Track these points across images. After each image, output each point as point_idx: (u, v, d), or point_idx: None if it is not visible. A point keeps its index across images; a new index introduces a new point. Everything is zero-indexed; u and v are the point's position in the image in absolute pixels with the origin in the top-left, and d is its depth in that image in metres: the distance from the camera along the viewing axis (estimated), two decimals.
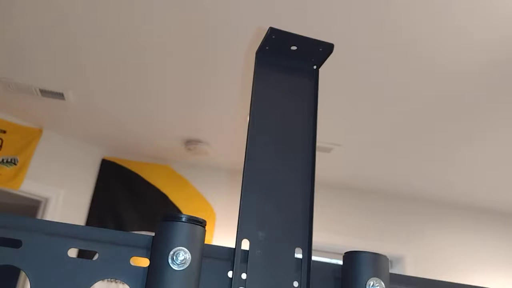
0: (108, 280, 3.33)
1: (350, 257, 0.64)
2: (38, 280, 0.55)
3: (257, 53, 0.75)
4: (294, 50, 0.75)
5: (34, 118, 3.61)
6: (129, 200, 3.90)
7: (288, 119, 0.73)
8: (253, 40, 2.44)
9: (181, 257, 0.55)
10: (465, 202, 4.27)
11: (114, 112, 3.45)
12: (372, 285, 0.61)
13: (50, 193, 3.63)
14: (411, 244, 4.18)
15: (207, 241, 0.60)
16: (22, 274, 0.61)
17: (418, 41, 2.37)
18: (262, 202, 0.66)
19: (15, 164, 3.50)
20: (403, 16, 2.22)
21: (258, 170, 0.68)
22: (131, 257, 0.59)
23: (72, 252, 0.58)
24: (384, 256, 0.64)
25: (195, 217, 0.59)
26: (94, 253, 0.58)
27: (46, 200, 3.63)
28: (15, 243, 0.56)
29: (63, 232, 0.58)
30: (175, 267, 0.55)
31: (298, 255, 0.65)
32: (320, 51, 0.75)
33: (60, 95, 3.19)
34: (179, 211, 3.83)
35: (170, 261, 0.55)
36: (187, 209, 3.90)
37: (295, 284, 0.63)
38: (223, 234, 3.49)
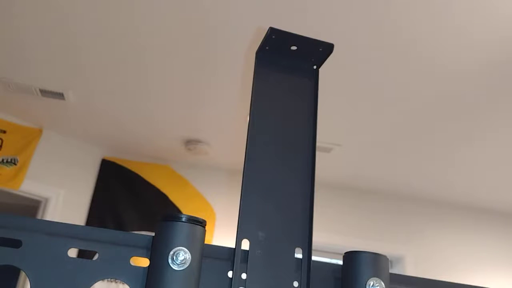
0: (108, 280, 3.33)
1: (350, 257, 0.64)
2: (38, 280, 0.55)
3: (257, 53, 0.75)
4: (294, 50, 0.75)
5: (34, 118, 3.61)
6: (129, 200, 3.90)
7: (288, 119, 0.73)
8: (253, 40, 2.44)
9: (181, 257, 0.55)
10: (465, 202, 4.27)
11: (114, 112, 3.45)
12: (372, 285, 0.61)
13: (50, 193, 3.63)
14: (411, 244, 4.18)
15: (207, 241, 0.60)
16: (22, 274, 0.61)
17: (418, 41, 2.37)
18: (262, 202, 0.66)
19: (15, 164, 3.50)
20: (403, 16, 2.22)
21: (258, 170, 0.68)
22: (131, 257, 0.59)
23: (72, 252, 0.58)
24: (384, 256, 0.64)
25: (195, 217, 0.59)
26: (94, 253, 0.58)
27: (46, 200, 3.63)
28: (15, 243, 0.56)
29: (63, 232, 0.58)
30: (175, 267, 0.55)
31: (298, 255, 0.65)
32: (320, 51, 0.75)
33: (60, 95, 3.19)
34: (179, 211, 3.83)
35: (170, 261, 0.55)
36: (187, 209, 3.90)
37: (295, 284, 0.63)
38: (223, 234, 3.49)
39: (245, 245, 0.63)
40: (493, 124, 3.03)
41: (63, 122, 3.65)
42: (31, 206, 3.76)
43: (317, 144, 0.73)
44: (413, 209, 4.28)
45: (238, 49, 2.53)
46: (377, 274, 0.62)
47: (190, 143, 3.71)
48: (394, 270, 4.04)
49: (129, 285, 0.58)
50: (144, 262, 0.59)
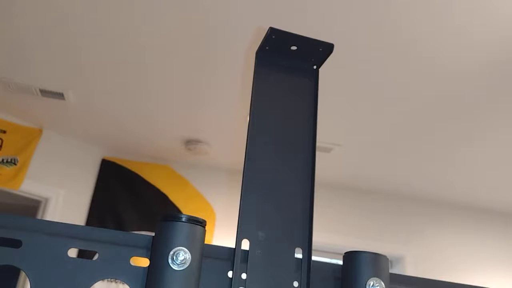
0: (108, 280, 3.33)
1: (350, 257, 0.64)
2: (38, 280, 0.55)
3: (257, 53, 0.75)
4: (294, 50, 0.75)
5: (34, 118, 3.61)
6: (129, 200, 3.90)
7: (288, 119, 0.73)
8: (253, 40, 2.44)
9: (181, 257, 0.55)
10: (465, 202, 4.27)
11: (114, 112, 3.45)
12: (372, 285, 0.61)
13: (50, 193, 3.63)
14: (411, 244, 4.18)
15: (207, 241, 0.60)
16: (22, 274, 0.61)
17: (418, 41, 2.37)
18: (262, 202, 0.66)
19: (15, 164, 3.50)
20: (403, 16, 2.22)
21: (258, 170, 0.68)
22: (131, 257, 0.59)
23: (72, 252, 0.58)
24: (384, 256, 0.64)
25: (195, 217, 0.59)
26: (94, 253, 0.58)
27: (46, 200, 3.63)
28: (15, 243, 0.56)
29: (63, 232, 0.58)
30: (175, 267, 0.55)
31: (298, 255, 0.65)
32: (320, 51, 0.75)
33: (60, 95, 3.19)
34: (179, 211, 3.83)
35: (170, 261, 0.55)
36: (187, 209, 3.90)
37: (295, 284, 0.63)
38: (223, 234, 3.49)
39: (245, 245, 0.63)
40: (493, 124, 3.03)
41: (63, 122, 3.65)
42: (31, 206, 3.76)
43: (317, 144, 0.73)
44: (413, 209, 4.28)
45: (238, 49, 2.53)
46: (377, 274, 0.62)
47: (190, 143, 3.71)
48: (394, 270, 4.04)
49: (129, 285, 0.58)
50: (144, 262, 0.59)
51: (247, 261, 0.62)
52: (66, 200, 3.67)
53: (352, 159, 3.77)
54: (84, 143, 3.88)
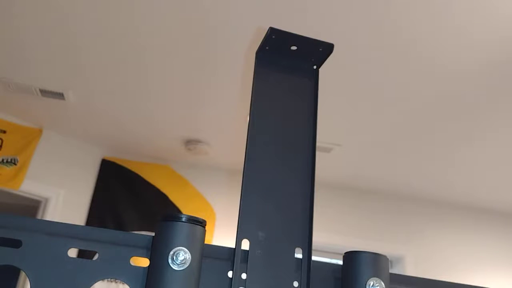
0: (108, 280, 3.33)
1: (350, 257, 0.64)
2: (38, 280, 0.55)
3: (257, 53, 0.75)
4: (294, 50, 0.75)
5: (34, 118, 3.61)
6: (129, 200, 3.90)
7: (288, 119, 0.73)
8: (253, 40, 2.44)
9: (181, 257, 0.55)
10: (465, 202, 4.27)
11: (114, 112, 3.45)
12: (372, 285, 0.61)
13: (50, 193, 3.63)
14: (411, 244, 4.18)
15: (207, 241, 0.60)
16: (22, 274, 0.61)
17: (418, 41, 2.37)
18: (262, 202, 0.66)
19: (15, 164, 3.50)
20: (403, 16, 2.22)
21: (258, 170, 0.68)
22: (131, 257, 0.59)
23: (72, 252, 0.58)
24: (384, 256, 0.64)
25: (195, 217, 0.59)
26: (94, 253, 0.58)
27: (46, 200, 3.63)
28: (15, 243, 0.56)
29: (63, 232, 0.58)
30: (175, 267, 0.55)
31: (298, 255, 0.65)
32: (320, 51, 0.75)
33: (60, 95, 3.19)
34: (179, 211, 3.83)
35: (170, 261, 0.55)
36: (187, 209, 3.90)
37: (295, 284, 0.63)
38: (223, 234, 3.49)
39: (245, 245, 0.63)
40: (493, 124, 3.03)
41: (63, 122, 3.65)
42: (31, 206, 3.76)
43: (317, 144, 0.73)
44: (413, 209, 4.28)
45: (238, 49, 2.53)
46: (377, 274, 0.62)
47: (190, 143, 3.71)
48: (394, 270, 4.04)
49: (129, 285, 0.58)
50: (144, 262, 0.59)
51: (247, 261, 0.62)
52: (66, 200, 3.67)
53: (352, 159, 3.77)
54: (84, 143, 3.88)
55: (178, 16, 2.37)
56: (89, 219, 3.73)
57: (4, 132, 3.51)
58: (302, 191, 0.69)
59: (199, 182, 4.04)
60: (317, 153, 0.72)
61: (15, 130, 3.56)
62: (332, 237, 3.91)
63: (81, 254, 0.61)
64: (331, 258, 4.01)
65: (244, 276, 0.62)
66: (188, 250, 0.56)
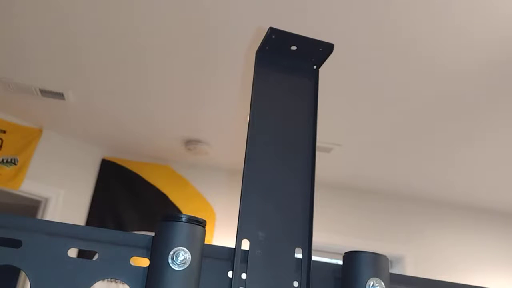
0: (108, 280, 3.33)
1: (350, 257, 0.64)
2: (38, 280, 0.55)
3: (257, 53, 0.75)
4: (294, 50, 0.75)
5: (34, 118, 3.61)
6: (129, 200, 3.90)
7: (288, 119, 0.73)
8: (253, 40, 2.44)
9: (181, 257, 0.55)
10: (465, 202, 4.27)
11: (114, 112, 3.45)
12: (372, 285, 0.61)
13: (50, 193, 3.63)
14: (411, 244, 4.18)
15: (207, 241, 0.60)
16: (22, 274, 0.61)
17: (418, 41, 2.37)
18: (262, 202, 0.66)
19: (15, 164, 3.50)
20: (403, 16, 2.22)
21: (258, 170, 0.68)
22: (131, 257, 0.59)
23: (72, 252, 0.58)
24: (384, 256, 0.64)
25: (195, 217, 0.59)
26: (94, 253, 0.58)
27: (46, 200, 3.63)
28: (15, 243, 0.56)
29: (63, 232, 0.58)
30: (175, 267, 0.55)
31: (298, 255, 0.65)
32: (320, 51, 0.75)
33: (60, 95, 3.19)
34: (179, 211, 3.83)
35: (170, 261, 0.55)
36: (187, 209, 3.90)
37: (295, 284, 0.63)
38: (223, 234, 3.49)
39: (245, 245, 0.63)
40: (493, 124, 3.03)
41: (63, 122, 3.65)
42: (31, 206, 3.76)
43: (317, 144, 0.73)
44: (413, 209, 4.28)
45: (238, 49, 2.53)
46: (377, 274, 0.62)
47: (190, 143, 3.71)
48: (394, 270, 4.04)
49: (129, 285, 0.58)
50: (144, 262, 0.59)
51: (247, 261, 0.62)
52: (66, 200, 3.67)
53: (352, 159, 3.77)
54: (84, 143, 3.88)
55: (178, 16, 2.37)
56: (89, 219, 3.73)
57: (4, 132, 3.51)
58: (302, 191, 0.69)
59: (199, 182, 4.04)
60: (317, 153, 0.72)
61: (15, 130, 3.56)
62: (332, 237, 3.91)
63: (81, 254, 0.61)
64: (331, 258, 4.01)
65: (244, 276, 0.62)
66: (188, 250, 0.56)
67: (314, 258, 0.65)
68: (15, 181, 3.46)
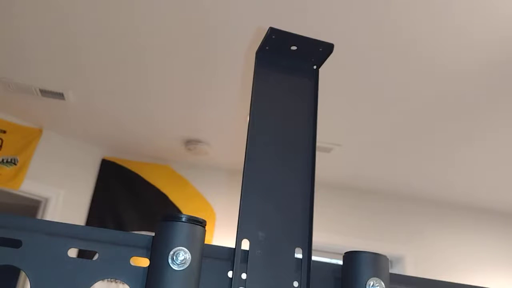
0: (108, 280, 3.33)
1: (350, 257, 0.64)
2: (38, 280, 0.55)
3: (257, 53, 0.75)
4: (294, 50, 0.75)
5: (34, 118, 3.61)
6: (129, 200, 3.90)
7: (288, 119, 0.73)
8: (253, 40, 2.44)
9: (181, 257, 0.55)
10: (465, 202, 4.27)
11: (114, 112, 3.45)
12: (372, 285, 0.61)
13: (50, 193, 3.63)
14: (411, 244, 4.18)
15: (207, 241, 0.60)
16: (22, 274, 0.61)
17: (418, 41, 2.37)
18: (262, 202, 0.66)
19: (15, 164, 3.50)
20: (403, 16, 2.22)
21: (258, 170, 0.68)
22: (131, 257, 0.59)
23: (72, 252, 0.58)
24: (384, 256, 0.64)
25: (195, 217, 0.59)
26: (94, 253, 0.58)
27: (46, 200, 3.63)
28: (15, 243, 0.56)
29: (63, 232, 0.58)
30: (175, 267, 0.55)
31: (298, 255, 0.65)
32: (320, 51, 0.75)
33: (60, 95, 3.19)
34: (179, 211, 3.83)
35: (170, 261, 0.55)
36: (187, 209, 3.90)
37: (295, 284, 0.63)
38: (223, 234, 3.49)
39: (245, 245, 0.63)
40: (493, 124, 3.03)
41: (63, 122, 3.65)
42: (31, 206, 3.76)
43: (317, 144, 0.73)
44: (413, 209, 4.28)
45: (238, 49, 2.53)
46: (377, 274, 0.62)
47: (190, 143, 3.71)
48: (394, 270, 4.04)
49: (129, 285, 0.58)
50: (144, 262, 0.59)
51: (247, 261, 0.62)
52: (66, 200, 3.67)
53: (352, 159, 3.77)
54: (84, 143, 3.88)
55: (178, 16, 2.37)
56: (89, 219, 3.73)
57: (4, 132, 3.51)
58: (302, 191, 0.69)
59: (199, 182, 4.04)
60: (317, 153, 0.72)
61: (15, 130, 3.56)
62: (332, 237, 3.91)
63: (81, 254, 0.61)
64: (331, 258, 4.01)
65: (244, 276, 0.62)
66: (188, 250, 0.56)
67: (314, 258, 0.65)
68: (15, 181, 3.46)
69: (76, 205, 3.73)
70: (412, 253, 4.13)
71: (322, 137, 3.27)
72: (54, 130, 3.72)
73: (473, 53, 2.41)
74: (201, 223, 0.59)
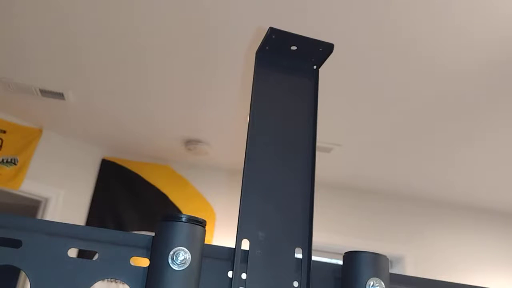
0: (108, 280, 3.33)
1: (350, 257, 0.64)
2: (38, 280, 0.55)
3: (257, 53, 0.75)
4: (294, 50, 0.75)
5: (34, 118, 3.61)
6: (129, 200, 3.90)
7: (288, 119, 0.73)
8: (253, 40, 2.44)
9: (181, 257, 0.55)
10: (465, 202, 4.27)
11: (114, 112, 3.45)
12: (372, 285, 0.61)
13: (50, 193, 3.63)
14: (411, 244, 4.18)
15: (207, 241, 0.60)
16: (22, 274, 0.61)
17: (418, 41, 2.37)
18: (262, 202, 0.66)
19: (15, 164, 3.50)
20: (403, 16, 2.22)
21: (258, 170, 0.68)
22: (131, 257, 0.59)
23: (72, 252, 0.58)
24: (384, 256, 0.64)
25: (195, 217, 0.59)
26: (94, 253, 0.58)
27: (46, 200, 3.63)
28: (15, 243, 0.56)
29: (63, 232, 0.58)
30: (175, 267, 0.55)
31: (298, 255, 0.65)
32: (320, 51, 0.75)
33: (60, 95, 3.19)
34: (179, 211, 3.83)
35: (170, 261, 0.55)
36: (187, 209, 3.90)
37: (295, 284, 0.63)
38: (223, 234, 3.49)
39: (245, 245, 0.63)
40: (493, 124, 3.03)
41: (63, 122, 3.65)
42: (31, 206, 3.76)
43: (317, 144, 0.73)
44: (413, 209, 4.28)
45: (238, 49, 2.53)
46: (377, 274, 0.62)
47: (190, 143, 3.71)
48: (394, 270, 4.04)
49: (129, 285, 0.58)
50: (144, 262, 0.59)
51: (247, 261, 0.62)
52: (66, 200, 3.67)
53: (352, 159, 3.77)
54: (84, 143, 3.88)
55: (178, 16, 2.37)
56: (89, 219, 3.73)
57: (4, 132, 3.51)
58: (302, 191, 0.69)
59: (199, 182, 4.04)
60: (317, 153, 0.72)
61: (15, 130, 3.56)
62: (332, 237, 3.91)
63: (81, 254, 0.61)
64: (331, 258, 4.01)
65: (244, 276, 0.62)
66: (188, 250, 0.56)
67: (314, 258, 0.65)
68: (15, 181, 3.46)
69: (76, 205, 3.73)
70: (412, 253, 4.13)
71: (322, 137, 3.27)
72: (54, 130, 3.72)
73: (473, 53, 2.41)
74: (201, 223, 0.59)
